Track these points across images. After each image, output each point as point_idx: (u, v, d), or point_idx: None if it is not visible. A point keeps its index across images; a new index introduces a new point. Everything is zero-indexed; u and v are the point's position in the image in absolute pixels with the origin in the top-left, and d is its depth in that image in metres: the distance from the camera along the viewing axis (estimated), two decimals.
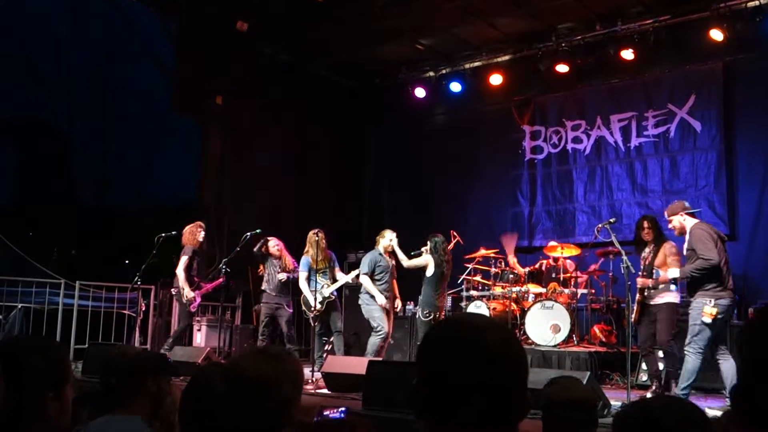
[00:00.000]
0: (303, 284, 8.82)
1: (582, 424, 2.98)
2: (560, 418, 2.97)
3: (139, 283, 9.05)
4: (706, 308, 6.33)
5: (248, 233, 9.04)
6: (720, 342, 6.55)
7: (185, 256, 9.03)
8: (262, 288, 9.20)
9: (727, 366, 6.47)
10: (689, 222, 6.73)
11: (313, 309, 8.67)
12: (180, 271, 8.99)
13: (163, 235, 8.97)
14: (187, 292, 8.96)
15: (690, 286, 6.64)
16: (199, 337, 10.46)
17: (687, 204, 6.94)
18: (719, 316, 6.32)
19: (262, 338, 9.06)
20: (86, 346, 9.38)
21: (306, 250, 8.89)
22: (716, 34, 10.13)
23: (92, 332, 9.93)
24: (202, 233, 9.27)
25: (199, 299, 9.07)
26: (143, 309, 10.22)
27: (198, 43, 11.42)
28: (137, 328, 9.84)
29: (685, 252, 6.76)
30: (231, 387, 2.06)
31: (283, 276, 8.99)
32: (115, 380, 2.85)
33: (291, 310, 9.12)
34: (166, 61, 12.07)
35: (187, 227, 9.25)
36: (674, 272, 6.79)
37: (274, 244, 9.21)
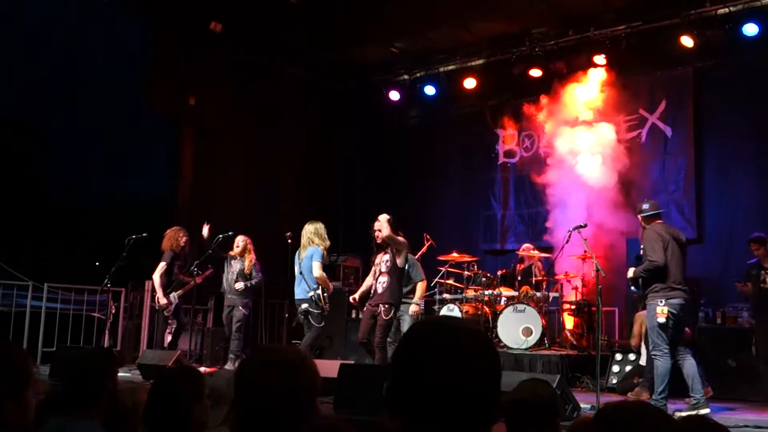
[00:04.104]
0: (323, 275, 8.29)
1: (545, 426, 3.00)
2: (523, 419, 2.99)
3: (109, 285, 8.95)
4: (657, 309, 6.49)
5: (220, 235, 8.97)
6: (677, 343, 6.68)
7: (163, 262, 9.02)
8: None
9: (688, 365, 6.59)
10: (646, 224, 6.88)
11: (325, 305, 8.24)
12: (156, 276, 8.98)
13: (134, 237, 8.87)
14: (159, 297, 8.92)
15: (643, 287, 6.80)
16: (170, 340, 10.35)
17: (645, 206, 7.02)
18: (672, 315, 6.46)
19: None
20: (54, 349, 9.26)
21: (317, 243, 8.30)
22: (687, 41, 10.27)
23: (61, 335, 9.79)
24: (185, 238, 9.22)
25: (176, 301, 9.02)
26: (113, 311, 10.11)
27: (171, 44, 11.35)
28: (107, 331, 9.73)
29: (641, 252, 6.95)
30: (242, 401, 1.93)
31: (240, 285, 8.82)
32: (72, 380, 2.81)
33: (245, 312, 8.91)
34: (140, 61, 11.95)
35: (167, 231, 9.22)
36: (630, 272, 6.99)
37: (241, 239, 9.02)
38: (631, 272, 6.98)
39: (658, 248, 6.55)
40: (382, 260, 7.68)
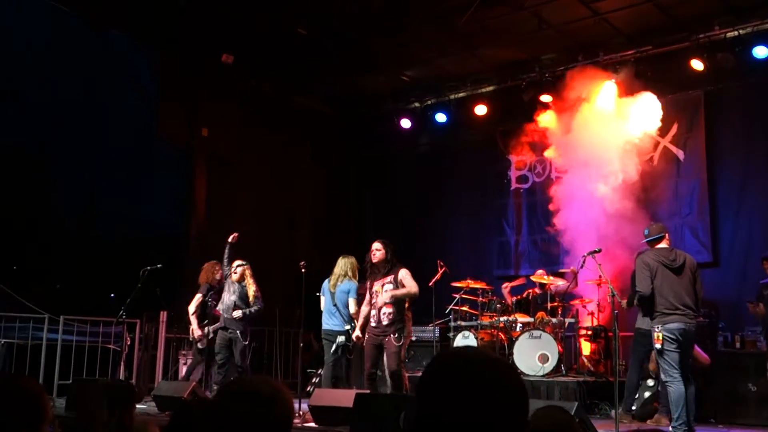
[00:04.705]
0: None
1: None
2: None
3: (124, 316, 8.96)
4: (654, 335, 6.54)
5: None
6: (688, 366, 6.67)
7: (199, 294, 9.17)
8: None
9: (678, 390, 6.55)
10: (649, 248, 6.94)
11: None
12: (191, 308, 9.14)
13: (149, 268, 8.88)
14: (194, 329, 9.04)
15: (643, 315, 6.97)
16: (185, 371, 10.35)
17: (646, 231, 7.05)
18: (670, 340, 6.46)
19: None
20: (70, 381, 9.25)
21: (350, 277, 8.31)
22: (697, 64, 10.30)
23: (77, 368, 9.79)
24: (221, 272, 9.25)
25: (212, 335, 8.96)
26: (128, 343, 10.11)
27: (184, 74, 11.49)
28: (122, 363, 9.73)
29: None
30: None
31: (239, 313, 8.65)
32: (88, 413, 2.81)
33: (245, 342, 8.71)
34: (152, 92, 12.08)
35: (205, 265, 9.36)
36: (623, 303, 7.24)
37: (239, 265, 8.86)
38: (624, 303, 7.15)
39: (644, 278, 6.62)
40: (385, 289, 7.28)
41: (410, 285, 7.22)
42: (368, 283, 7.50)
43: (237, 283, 8.85)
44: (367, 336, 7.40)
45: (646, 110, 10.80)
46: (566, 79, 11.11)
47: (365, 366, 7.49)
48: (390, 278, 7.29)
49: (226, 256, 8.96)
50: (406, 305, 7.33)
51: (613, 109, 11.13)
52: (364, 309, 7.57)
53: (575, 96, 11.06)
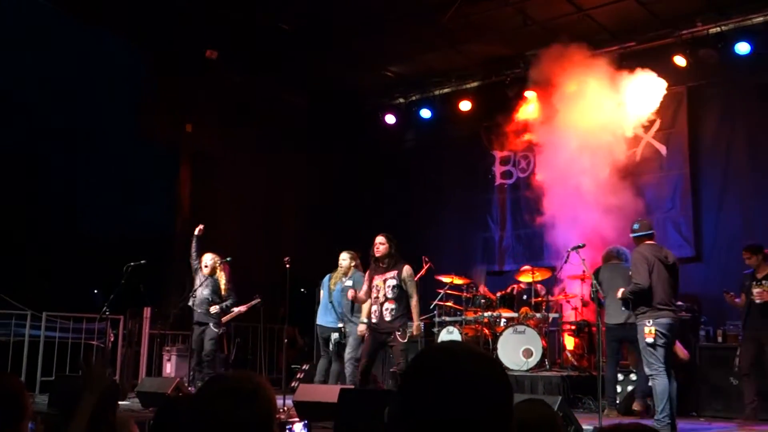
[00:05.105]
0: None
1: None
2: None
3: (107, 313, 8.91)
4: (645, 329, 6.63)
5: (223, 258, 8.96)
6: (671, 361, 6.81)
7: None
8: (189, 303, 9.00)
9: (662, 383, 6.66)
10: (637, 244, 7.06)
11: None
12: None
13: (132, 264, 8.83)
14: None
15: (632, 308, 6.97)
16: (169, 367, 10.32)
17: (635, 226, 7.17)
18: (660, 335, 6.59)
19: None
20: (53, 378, 9.20)
21: (356, 264, 8.43)
22: (680, 60, 10.36)
23: (60, 364, 9.74)
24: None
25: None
26: (112, 339, 10.06)
27: (167, 71, 11.43)
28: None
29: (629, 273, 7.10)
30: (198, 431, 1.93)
31: (216, 309, 8.68)
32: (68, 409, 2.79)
33: (218, 331, 8.77)
34: (136, 89, 12.02)
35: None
36: (618, 293, 7.14)
37: (210, 257, 8.86)
38: (619, 293, 7.13)
39: (643, 271, 6.70)
40: (387, 285, 7.17)
41: (413, 294, 7.17)
42: (368, 275, 7.40)
43: (209, 277, 8.81)
44: (367, 333, 7.32)
45: (642, 90, 10.62)
46: (543, 60, 10.96)
47: (360, 361, 7.41)
48: (393, 273, 7.18)
49: (194, 249, 8.95)
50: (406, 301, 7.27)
51: (602, 93, 10.95)
52: (366, 306, 7.43)
53: (559, 80, 10.92)
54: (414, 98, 13.06)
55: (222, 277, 8.85)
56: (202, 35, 11.16)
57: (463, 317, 10.19)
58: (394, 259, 7.26)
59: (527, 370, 9.05)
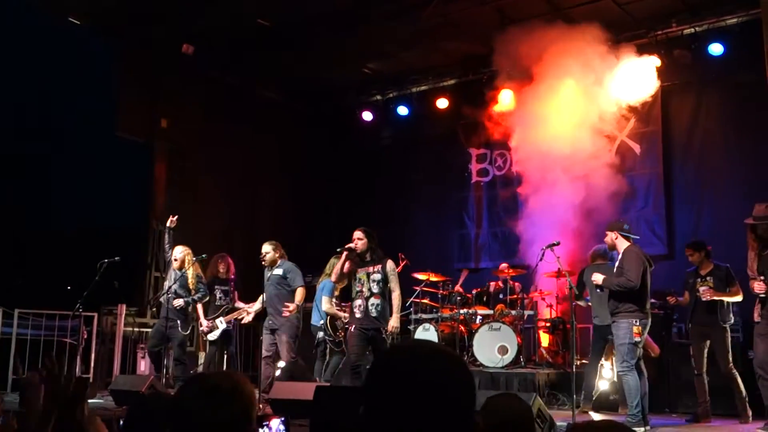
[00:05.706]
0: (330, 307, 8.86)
1: None
2: None
3: (80, 310, 8.81)
4: (634, 328, 6.80)
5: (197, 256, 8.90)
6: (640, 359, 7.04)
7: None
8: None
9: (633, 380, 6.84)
10: (621, 242, 7.13)
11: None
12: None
13: (106, 261, 8.73)
14: (201, 321, 9.03)
15: (610, 301, 7.04)
16: (144, 365, 10.24)
17: (626, 226, 7.29)
18: (642, 333, 6.87)
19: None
20: (24, 376, 9.10)
21: (328, 273, 8.60)
22: (654, 60, 10.46)
23: (32, 362, 9.63)
24: (223, 264, 9.24)
25: (222, 326, 8.99)
26: (85, 337, 9.96)
27: (143, 66, 11.33)
28: (79, 357, 9.58)
29: (615, 269, 7.12)
30: (178, 430, 1.93)
31: (180, 302, 8.52)
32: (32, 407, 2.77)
33: (185, 333, 8.69)
34: (111, 84, 11.89)
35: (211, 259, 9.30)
36: (598, 278, 7.12)
37: (180, 250, 8.70)
38: (600, 279, 7.09)
39: (637, 269, 6.83)
40: (372, 279, 7.15)
41: (395, 288, 7.22)
42: (348, 264, 7.31)
43: (178, 271, 8.70)
44: (352, 328, 7.24)
45: (633, 72, 10.59)
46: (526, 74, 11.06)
47: (350, 359, 7.35)
48: (378, 267, 7.18)
49: (166, 242, 8.86)
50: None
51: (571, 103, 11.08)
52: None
53: (535, 90, 11.02)
54: (391, 95, 13.08)
55: (190, 271, 8.67)
56: (178, 29, 11.06)
57: (439, 314, 10.22)
58: (377, 254, 7.27)
59: (502, 367, 9.10)
